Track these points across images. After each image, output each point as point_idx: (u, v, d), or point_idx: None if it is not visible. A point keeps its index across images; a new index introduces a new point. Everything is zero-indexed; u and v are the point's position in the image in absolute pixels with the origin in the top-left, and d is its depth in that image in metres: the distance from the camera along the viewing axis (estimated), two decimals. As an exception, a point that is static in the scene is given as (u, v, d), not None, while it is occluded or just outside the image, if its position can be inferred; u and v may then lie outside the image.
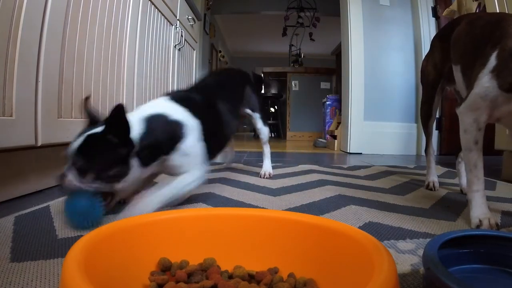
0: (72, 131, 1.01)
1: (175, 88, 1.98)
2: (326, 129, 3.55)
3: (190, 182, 0.79)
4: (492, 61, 0.67)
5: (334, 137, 3.07)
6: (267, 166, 1.31)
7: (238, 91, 1.16)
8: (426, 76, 1.11)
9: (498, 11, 1.39)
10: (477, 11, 1.87)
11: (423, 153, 1.20)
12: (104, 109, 1.23)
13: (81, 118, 1.08)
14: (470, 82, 0.74)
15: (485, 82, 0.68)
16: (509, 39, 0.66)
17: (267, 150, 1.34)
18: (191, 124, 0.81)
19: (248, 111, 1.23)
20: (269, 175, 1.27)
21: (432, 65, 1.08)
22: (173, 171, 0.80)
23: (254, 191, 1.02)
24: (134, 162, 0.70)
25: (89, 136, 0.66)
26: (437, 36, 1.10)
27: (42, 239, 0.56)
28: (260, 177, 1.26)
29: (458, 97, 1.10)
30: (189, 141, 0.80)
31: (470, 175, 0.72)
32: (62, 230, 0.61)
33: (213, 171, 1.43)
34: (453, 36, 0.91)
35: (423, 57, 1.17)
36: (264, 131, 1.29)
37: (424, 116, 1.13)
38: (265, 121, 1.28)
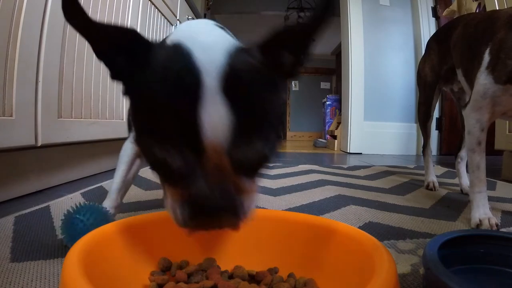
0: (72, 131, 1.01)
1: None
2: (326, 129, 3.55)
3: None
4: (486, 58, 0.69)
5: (334, 137, 3.07)
6: None
7: None
8: (423, 78, 1.11)
9: (498, 11, 1.39)
10: (477, 11, 1.88)
11: (422, 153, 1.20)
12: (105, 111, 1.23)
13: (81, 118, 1.08)
14: (472, 84, 0.75)
15: (482, 79, 0.69)
16: (499, 33, 0.67)
17: None
18: None
19: None
20: None
21: (429, 67, 1.08)
22: None
23: (254, 191, 1.02)
24: None
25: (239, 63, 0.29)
26: (433, 38, 1.10)
27: (42, 239, 0.56)
28: None
29: (454, 98, 1.11)
30: None
31: (472, 176, 0.73)
32: (62, 230, 0.61)
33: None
34: (452, 40, 0.92)
35: (424, 57, 1.17)
36: None
37: (423, 117, 1.13)
38: None
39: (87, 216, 0.48)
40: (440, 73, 1.03)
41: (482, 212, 0.69)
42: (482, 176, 0.72)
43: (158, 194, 0.95)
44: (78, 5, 0.27)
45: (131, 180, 0.63)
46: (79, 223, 0.48)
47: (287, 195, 0.98)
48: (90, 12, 1.08)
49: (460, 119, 1.01)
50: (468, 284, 0.36)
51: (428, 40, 1.13)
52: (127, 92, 0.32)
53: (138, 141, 0.32)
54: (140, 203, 0.84)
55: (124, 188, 0.62)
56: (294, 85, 4.77)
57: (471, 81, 0.77)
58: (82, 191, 0.93)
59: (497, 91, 0.67)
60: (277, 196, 0.95)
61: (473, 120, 0.72)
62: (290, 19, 5.43)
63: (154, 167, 0.31)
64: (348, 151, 2.65)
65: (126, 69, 0.30)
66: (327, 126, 3.55)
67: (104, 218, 0.50)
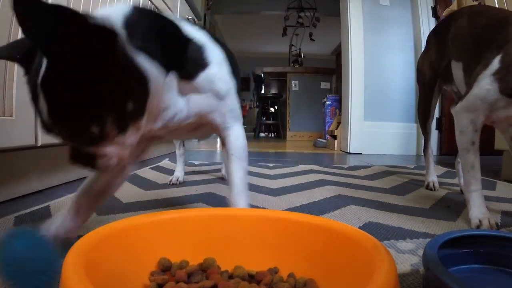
0: (72, 131, 1.01)
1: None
2: (326, 129, 3.55)
3: (243, 141, 0.58)
4: (495, 64, 0.66)
5: (334, 137, 3.07)
6: None
7: None
8: (422, 76, 1.09)
9: (498, 11, 1.38)
10: (477, 11, 1.87)
11: (422, 153, 1.20)
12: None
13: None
14: (469, 81, 0.73)
15: (486, 84, 0.67)
16: None
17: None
18: (215, 49, 0.53)
19: None
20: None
21: (428, 64, 1.06)
22: (211, 122, 0.54)
23: (254, 191, 1.02)
24: (147, 65, 0.40)
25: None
26: (432, 32, 1.07)
27: (42, 239, 0.56)
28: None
29: (456, 98, 1.09)
30: (222, 72, 0.52)
31: (467, 175, 0.72)
32: (62, 230, 0.61)
33: (212, 171, 1.43)
34: (453, 30, 0.89)
35: (423, 57, 1.16)
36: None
37: (422, 116, 1.12)
38: None
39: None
40: (439, 70, 1.01)
41: (481, 212, 0.69)
42: (477, 175, 0.71)
43: (158, 194, 0.95)
44: None
45: (101, 195, 0.50)
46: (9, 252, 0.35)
47: (287, 195, 0.98)
48: (90, 12, 1.09)
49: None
50: (468, 284, 0.36)
51: (428, 35, 1.09)
52: None
53: None
54: (140, 203, 0.84)
55: (86, 205, 0.49)
56: (294, 85, 4.77)
57: (469, 77, 0.75)
58: (82, 191, 0.93)
59: (500, 101, 0.66)
60: (277, 196, 0.95)
61: (466, 120, 0.71)
62: (290, 19, 5.44)
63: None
64: (348, 151, 2.65)
65: None
66: (327, 126, 3.55)
67: (40, 245, 0.37)
